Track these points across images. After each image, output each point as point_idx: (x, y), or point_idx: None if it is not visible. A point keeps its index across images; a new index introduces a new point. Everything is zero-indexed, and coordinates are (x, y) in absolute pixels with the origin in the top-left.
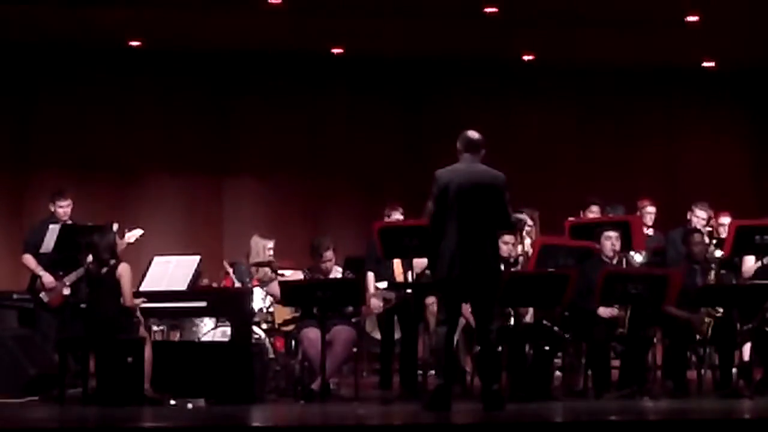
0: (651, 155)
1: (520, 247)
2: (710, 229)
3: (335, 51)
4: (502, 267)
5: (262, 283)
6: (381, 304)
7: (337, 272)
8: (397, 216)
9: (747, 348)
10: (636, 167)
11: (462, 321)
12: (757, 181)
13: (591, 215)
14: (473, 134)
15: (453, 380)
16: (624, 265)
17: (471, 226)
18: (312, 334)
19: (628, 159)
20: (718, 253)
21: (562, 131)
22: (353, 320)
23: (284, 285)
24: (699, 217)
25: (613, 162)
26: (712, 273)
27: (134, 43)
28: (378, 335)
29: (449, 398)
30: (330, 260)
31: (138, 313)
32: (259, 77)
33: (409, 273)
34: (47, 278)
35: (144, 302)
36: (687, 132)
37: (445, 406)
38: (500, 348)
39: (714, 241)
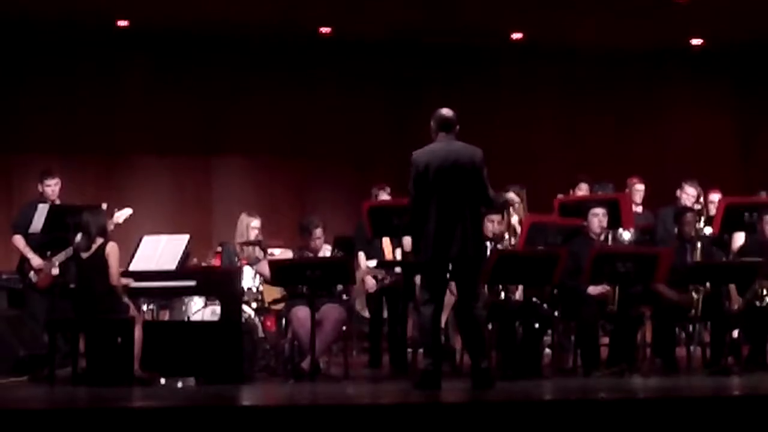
0: (639, 133)
1: (506, 225)
2: (699, 206)
3: (323, 31)
4: (490, 245)
5: (251, 263)
6: (374, 283)
7: (326, 251)
8: (385, 196)
9: None
10: (624, 145)
11: (452, 299)
12: (745, 159)
13: (580, 193)
14: (446, 112)
15: (441, 359)
16: (611, 243)
17: (451, 205)
18: (301, 313)
19: (616, 137)
20: (708, 231)
21: (550, 110)
22: (344, 298)
23: (274, 264)
24: (688, 194)
25: (601, 140)
26: (698, 250)
27: (122, 23)
28: (367, 314)
29: (439, 378)
30: (320, 238)
31: (126, 298)
32: (248, 57)
33: (398, 251)
34: (35, 260)
35: (130, 283)
36: (675, 110)
37: (435, 385)
38: (490, 326)
39: (703, 218)
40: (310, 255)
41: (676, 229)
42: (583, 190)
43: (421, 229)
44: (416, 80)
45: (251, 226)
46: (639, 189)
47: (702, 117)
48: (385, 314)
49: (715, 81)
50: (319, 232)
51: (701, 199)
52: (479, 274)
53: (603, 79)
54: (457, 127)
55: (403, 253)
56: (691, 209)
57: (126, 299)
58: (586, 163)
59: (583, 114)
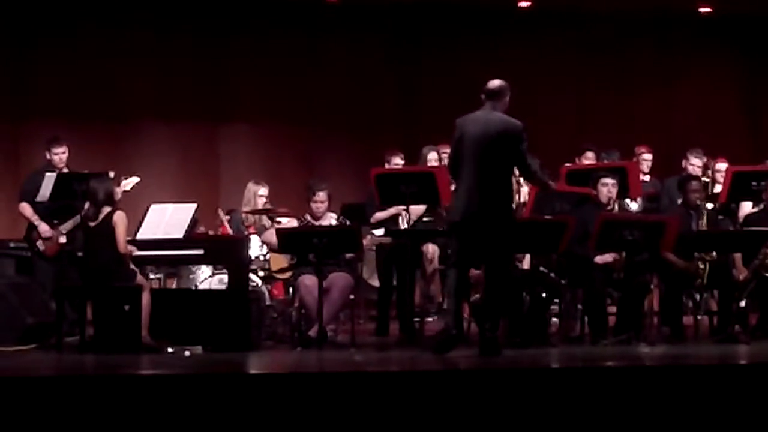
0: (646, 101)
1: (517, 196)
2: (707, 180)
3: None
4: None
5: (258, 231)
6: (370, 238)
7: (331, 219)
8: (397, 161)
9: None
10: (631, 113)
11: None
12: (753, 127)
13: (586, 161)
14: (494, 82)
15: (461, 324)
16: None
17: (483, 172)
18: (309, 281)
19: (623, 105)
20: (709, 206)
21: (556, 77)
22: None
23: (280, 232)
24: (693, 164)
25: (608, 108)
26: (704, 218)
27: None
28: (375, 282)
29: (456, 343)
30: (322, 201)
31: (131, 265)
32: (256, 23)
33: (403, 220)
34: (43, 227)
35: (133, 251)
36: (683, 77)
37: (446, 349)
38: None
39: (708, 194)
40: (310, 218)
41: (680, 199)
42: (589, 158)
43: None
44: (423, 47)
45: (258, 194)
46: (647, 158)
47: (709, 84)
48: (395, 282)
49: (724, 49)
50: (322, 195)
51: (709, 172)
52: (507, 242)
53: (609, 45)
54: (505, 98)
55: (408, 221)
56: (696, 177)
57: (132, 266)
58: (592, 130)
59: (589, 81)
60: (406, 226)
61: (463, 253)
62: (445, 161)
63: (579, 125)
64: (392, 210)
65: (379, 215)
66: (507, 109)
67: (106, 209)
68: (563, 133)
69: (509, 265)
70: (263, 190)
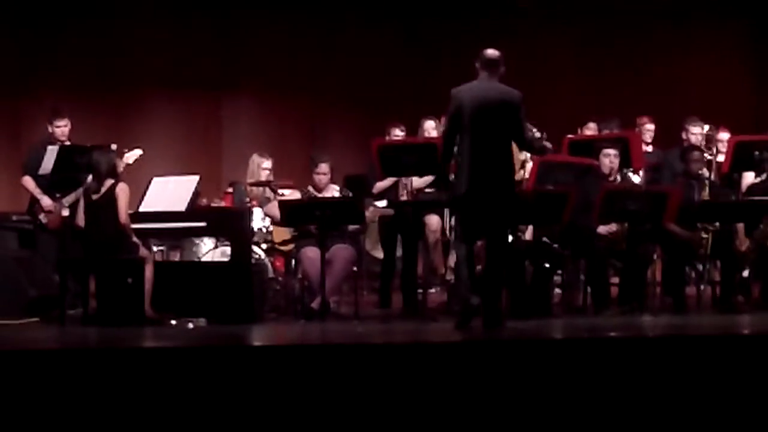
0: (651, 72)
1: (522, 171)
2: (710, 155)
3: None
4: None
5: (261, 203)
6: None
7: (334, 191)
8: (398, 133)
9: None
10: (636, 84)
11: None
12: (759, 101)
13: (588, 132)
14: (490, 52)
15: (478, 294)
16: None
17: (484, 143)
18: (311, 253)
19: (628, 76)
20: (706, 173)
21: (561, 48)
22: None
23: (283, 204)
24: (694, 134)
25: (612, 79)
26: (706, 189)
27: None
28: (377, 254)
29: (476, 314)
30: (325, 173)
31: (134, 237)
32: None
33: (404, 188)
34: (45, 201)
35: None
36: (688, 48)
37: (465, 324)
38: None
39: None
40: (312, 190)
41: (682, 168)
42: (591, 129)
43: (446, 164)
44: (429, 19)
45: (262, 166)
46: (649, 129)
47: (716, 55)
48: (399, 253)
49: (731, 21)
50: (324, 167)
51: (712, 143)
52: (509, 214)
53: (616, 17)
54: (501, 68)
55: (409, 192)
56: (698, 147)
57: (135, 239)
58: (596, 102)
59: (594, 54)
60: (406, 194)
61: (469, 227)
62: None
63: (582, 96)
64: (393, 178)
65: (381, 185)
66: (501, 79)
67: (109, 182)
68: (566, 103)
69: (509, 237)
70: (267, 163)
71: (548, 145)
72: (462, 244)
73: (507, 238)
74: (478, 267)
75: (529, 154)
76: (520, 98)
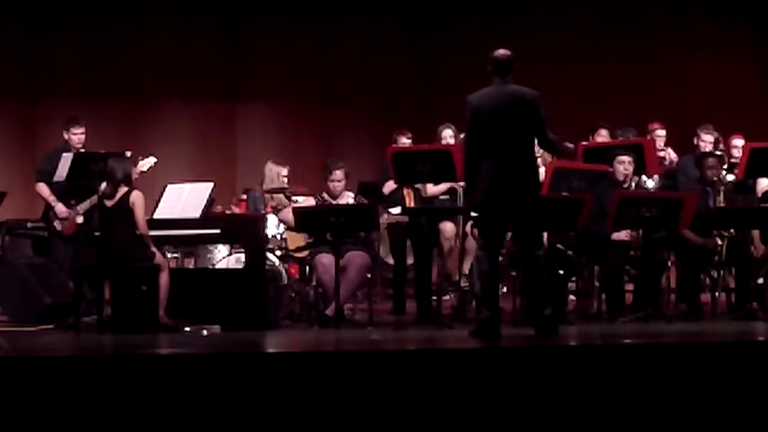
0: (663, 76)
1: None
2: (720, 153)
3: None
4: None
5: (276, 210)
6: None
7: (348, 198)
8: (404, 141)
9: None
10: (648, 88)
11: (474, 246)
12: None
13: (600, 139)
14: (501, 53)
15: (498, 308)
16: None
17: (505, 148)
18: (326, 259)
19: (639, 80)
20: (730, 177)
21: (571, 52)
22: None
23: (297, 211)
24: (705, 141)
25: (624, 83)
26: (721, 195)
27: None
28: (392, 261)
29: (498, 328)
30: (339, 180)
31: (152, 247)
32: (273, 2)
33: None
34: (60, 208)
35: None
36: (700, 52)
37: (494, 336)
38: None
39: (725, 166)
40: (327, 197)
41: (698, 174)
42: (602, 136)
43: (473, 172)
44: (441, 25)
45: (282, 174)
46: (660, 135)
47: (728, 59)
48: (410, 261)
49: (743, 23)
50: (339, 174)
51: (721, 145)
52: (537, 219)
53: (626, 20)
54: (514, 67)
55: (420, 199)
56: (712, 153)
57: (154, 249)
58: (606, 106)
59: (604, 57)
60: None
61: (493, 235)
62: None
63: (594, 101)
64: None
65: (391, 184)
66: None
67: (123, 189)
68: (578, 108)
69: (540, 245)
70: (285, 171)
71: (570, 146)
72: (485, 253)
73: (541, 242)
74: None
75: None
76: (537, 97)
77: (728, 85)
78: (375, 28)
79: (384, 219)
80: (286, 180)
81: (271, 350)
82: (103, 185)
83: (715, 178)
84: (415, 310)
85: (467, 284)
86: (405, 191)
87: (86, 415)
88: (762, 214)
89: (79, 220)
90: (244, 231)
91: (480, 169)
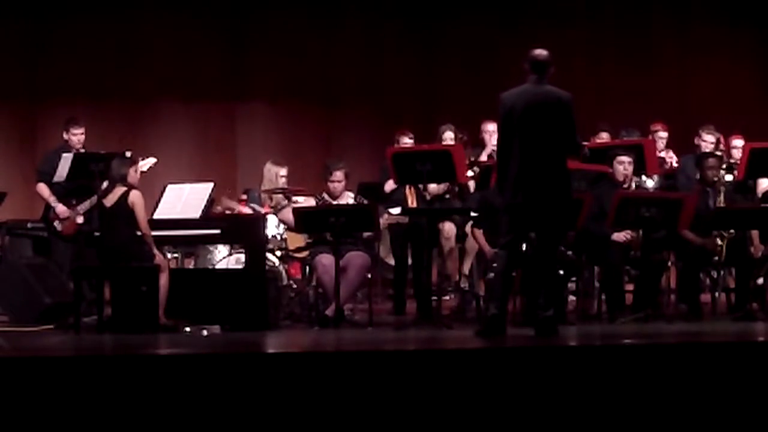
0: (663, 76)
1: None
2: (720, 153)
3: None
4: None
5: (276, 210)
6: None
7: (348, 198)
8: (406, 141)
9: None
10: (648, 88)
11: (474, 246)
12: None
13: (600, 141)
14: (539, 53)
15: (506, 306)
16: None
17: (535, 149)
18: (326, 260)
19: (639, 80)
20: (729, 177)
21: (572, 54)
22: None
23: (297, 211)
24: (706, 141)
25: (624, 83)
26: (721, 195)
27: None
28: (392, 261)
29: (504, 324)
30: (339, 181)
31: (154, 249)
32: (273, 2)
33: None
34: (60, 208)
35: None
36: (700, 52)
37: (501, 330)
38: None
39: (724, 166)
40: (327, 197)
41: (698, 175)
42: (603, 138)
43: (504, 172)
44: (442, 24)
45: (280, 174)
46: (662, 136)
47: (728, 61)
48: (410, 261)
49: (743, 25)
50: (339, 174)
51: (721, 146)
52: (562, 222)
53: (626, 21)
54: (551, 69)
55: (422, 199)
56: (713, 154)
57: (155, 250)
58: (609, 107)
59: (603, 57)
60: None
61: (517, 235)
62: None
63: (595, 102)
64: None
65: (392, 182)
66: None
67: (121, 189)
68: (579, 109)
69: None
70: (284, 171)
71: (586, 151)
72: (504, 252)
73: (557, 246)
74: (491, 274)
75: None
76: (570, 99)
77: (728, 85)
78: (376, 29)
79: (384, 219)
80: (284, 180)
81: (271, 350)
82: (103, 185)
83: (715, 179)
84: (415, 311)
85: (467, 285)
86: (408, 190)
87: (86, 415)
88: (762, 214)
89: (79, 220)
90: (244, 231)
91: (509, 168)
